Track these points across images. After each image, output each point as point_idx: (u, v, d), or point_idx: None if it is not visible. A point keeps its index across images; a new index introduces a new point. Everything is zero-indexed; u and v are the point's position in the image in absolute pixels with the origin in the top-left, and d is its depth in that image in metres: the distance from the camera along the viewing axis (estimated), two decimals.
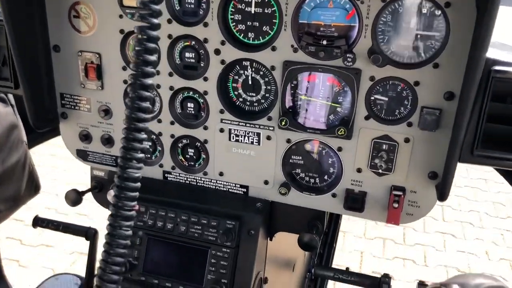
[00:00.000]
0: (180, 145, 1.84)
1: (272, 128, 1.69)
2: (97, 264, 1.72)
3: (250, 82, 1.68)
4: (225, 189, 1.85)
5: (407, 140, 1.57)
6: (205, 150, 1.81)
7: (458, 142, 1.40)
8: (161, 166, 1.88)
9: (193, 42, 1.67)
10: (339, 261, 4.08)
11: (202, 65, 1.69)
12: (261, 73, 1.65)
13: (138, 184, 0.95)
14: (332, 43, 1.52)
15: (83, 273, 2.42)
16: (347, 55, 1.50)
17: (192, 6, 1.63)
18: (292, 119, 1.64)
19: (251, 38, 1.62)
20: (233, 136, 1.74)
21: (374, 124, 1.58)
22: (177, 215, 1.74)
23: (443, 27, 1.41)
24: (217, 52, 1.64)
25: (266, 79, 1.66)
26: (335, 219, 3.37)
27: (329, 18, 1.51)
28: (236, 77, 1.69)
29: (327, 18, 1.52)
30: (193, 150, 1.83)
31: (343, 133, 1.58)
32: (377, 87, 1.54)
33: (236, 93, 1.72)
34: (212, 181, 1.85)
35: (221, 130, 1.74)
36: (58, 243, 4.61)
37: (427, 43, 1.44)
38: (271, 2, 1.54)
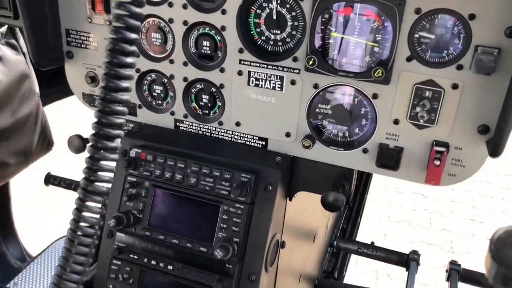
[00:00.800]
0: (193, 90, 1.66)
1: (297, 71, 1.48)
2: (109, 223, 1.58)
3: (274, 17, 1.47)
4: (241, 141, 1.66)
5: (455, 86, 1.34)
6: (221, 96, 1.61)
7: None
8: (172, 113, 1.70)
9: None
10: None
11: None
12: (288, 6, 1.44)
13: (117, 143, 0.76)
14: None
15: None
16: None
17: None
18: (322, 59, 1.43)
19: None
20: (252, 80, 1.54)
21: (417, 66, 1.36)
22: (187, 165, 1.56)
23: None
24: None
25: (293, 13, 1.45)
26: (362, 190, 3.15)
27: None
28: (259, 11, 1.49)
29: None
30: (207, 97, 1.64)
31: (380, 75, 1.37)
32: (423, 22, 1.32)
33: (258, 30, 1.51)
34: (228, 132, 1.66)
35: (240, 73, 1.54)
36: (69, 204, 4.53)
37: None
38: None
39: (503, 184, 5.56)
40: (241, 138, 1.65)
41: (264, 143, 1.63)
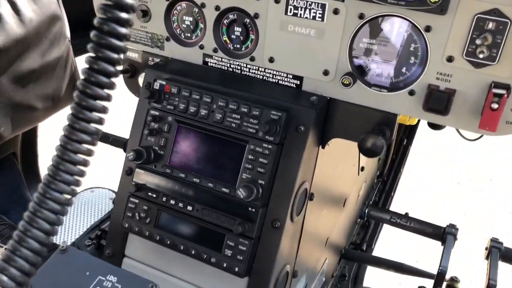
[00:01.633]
0: (225, 21, 1.53)
1: None
2: (128, 156, 1.48)
3: None
4: (273, 80, 1.53)
5: None
6: (255, 28, 1.48)
7: None
8: (201, 47, 1.58)
9: None
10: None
11: None
12: None
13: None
14: None
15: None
16: None
17: None
18: None
19: None
20: (290, 9, 1.39)
21: None
22: (214, 100, 1.44)
23: None
24: None
25: None
26: (398, 162, 2.97)
27: None
28: None
29: None
30: (240, 29, 1.51)
31: (436, 0, 1.20)
32: None
33: None
34: (260, 69, 1.53)
35: (277, 1, 1.40)
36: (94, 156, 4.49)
37: None
38: None
39: None
40: (274, 76, 1.52)
41: (298, 82, 1.49)
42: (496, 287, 1.76)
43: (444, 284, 2.26)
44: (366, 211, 2.30)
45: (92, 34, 0.63)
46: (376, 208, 2.29)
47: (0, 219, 2.29)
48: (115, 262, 1.57)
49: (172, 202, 1.48)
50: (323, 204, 1.73)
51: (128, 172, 1.57)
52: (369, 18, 1.32)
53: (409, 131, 2.99)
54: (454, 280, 2.27)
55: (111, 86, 0.66)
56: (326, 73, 1.43)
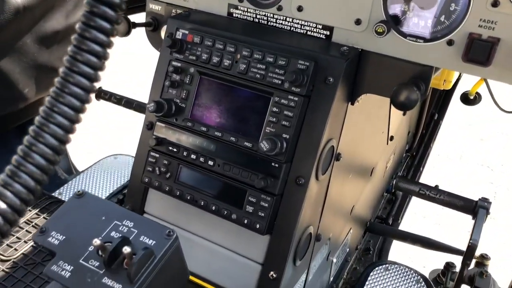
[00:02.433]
0: None
1: None
2: (148, 107, 1.44)
3: None
4: (302, 30, 1.44)
5: None
6: None
7: None
8: None
9: None
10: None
11: None
12: None
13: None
14: None
15: None
16: None
17: None
18: None
19: None
20: None
21: None
22: (238, 50, 1.37)
23: None
24: None
25: None
26: (428, 137, 2.85)
27: None
28: None
29: None
30: None
31: None
32: None
33: None
34: (287, 19, 1.45)
35: None
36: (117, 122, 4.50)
37: None
38: None
39: None
40: (302, 27, 1.44)
41: (328, 33, 1.40)
42: None
43: (473, 261, 2.16)
44: (394, 183, 2.21)
45: None
46: (404, 179, 2.20)
47: None
48: None
49: (193, 156, 1.43)
50: (349, 168, 1.66)
51: (148, 126, 1.52)
52: None
53: (441, 106, 2.87)
54: (484, 257, 2.17)
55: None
56: (358, 22, 1.34)
